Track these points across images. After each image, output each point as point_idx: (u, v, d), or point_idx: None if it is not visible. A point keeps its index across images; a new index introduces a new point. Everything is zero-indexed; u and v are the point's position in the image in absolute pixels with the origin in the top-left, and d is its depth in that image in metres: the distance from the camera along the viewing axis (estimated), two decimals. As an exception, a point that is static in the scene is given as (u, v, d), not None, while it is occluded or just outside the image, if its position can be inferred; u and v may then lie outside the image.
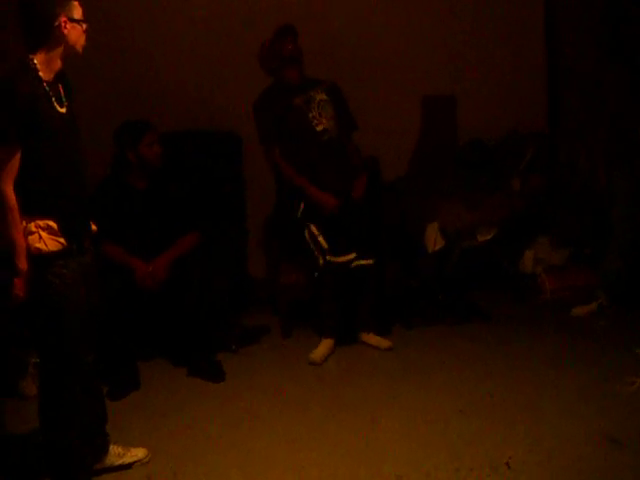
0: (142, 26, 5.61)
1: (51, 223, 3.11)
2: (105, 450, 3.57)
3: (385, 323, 5.20)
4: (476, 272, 5.70)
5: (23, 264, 3.09)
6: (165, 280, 4.65)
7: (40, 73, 3.08)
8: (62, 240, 3.14)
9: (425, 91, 5.99)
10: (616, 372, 4.34)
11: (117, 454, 3.61)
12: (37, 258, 3.10)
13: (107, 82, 5.46)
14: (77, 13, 3.13)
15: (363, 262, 4.87)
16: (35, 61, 3.07)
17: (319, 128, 4.93)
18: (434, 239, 5.54)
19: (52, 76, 3.13)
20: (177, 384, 4.61)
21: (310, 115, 4.92)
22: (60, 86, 3.19)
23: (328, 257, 4.82)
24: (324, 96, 4.99)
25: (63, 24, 3.06)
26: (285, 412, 4.20)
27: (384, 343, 4.98)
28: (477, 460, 3.60)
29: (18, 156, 3.01)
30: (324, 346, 4.91)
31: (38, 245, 3.09)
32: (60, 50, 3.11)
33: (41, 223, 3.09)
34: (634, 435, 3.72)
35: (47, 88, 3.10)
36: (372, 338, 5.03)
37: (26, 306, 3.19)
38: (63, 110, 3.17)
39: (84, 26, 3.16)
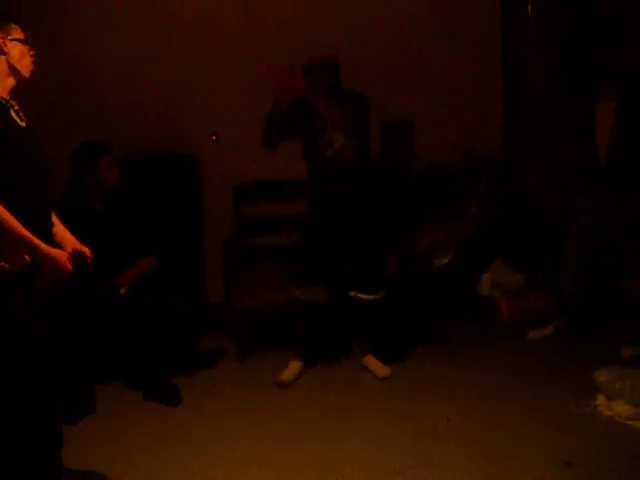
0: (101, 47, 5.58)
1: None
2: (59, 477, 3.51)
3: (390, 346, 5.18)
4: (433, 296, 5.71)
5: (44, 248, 3.08)
6: (122, 302, 4.62)
7: None
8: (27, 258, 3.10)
9: (383, 117, 6.01)
10: (572, 395, 4.38)
11: None
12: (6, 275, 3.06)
13: (64, 104, 5.43)
14: (18, 34, 3.20)
15: (362, 296, 4.83)
16: None
17: (329, 151, 4.72)
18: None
19: (7, 93, 3.18)
20: (133, 408, 4.56)
21: (321, 140, 4.72)
22: (15, 104, 3.21)
23: (297, 293, 4.82)
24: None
25: (1, 42, 3.14)
26: (242, 435, 4.17)
27: (382, 371, 4.89)
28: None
29: None
30: (292, 367, 4.89)
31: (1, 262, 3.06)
32: (5, 69, 3.17)
33: None
34: (588, 457, 3.76)
35: (3, 101, 3.15)
36: (372, 362, 4.96)
37: None
38: (23, 124, 3.20)
39: (29, 47, 3.23)
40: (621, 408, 4.11)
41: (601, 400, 4.23)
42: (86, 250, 3.45)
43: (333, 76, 4.72)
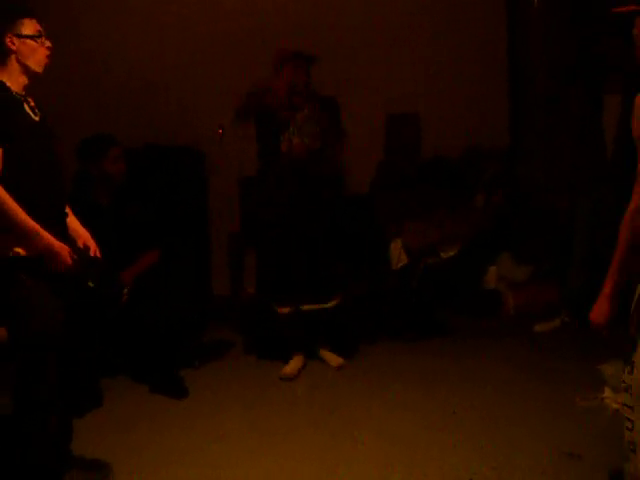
0: (107, 40, 5.58)
1: None
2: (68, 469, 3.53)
3: (344, 341, 5.18)
4: (439, 288, 5.71)
5: (48, 239, 3.10)
6: (127, 296, 4.62)
7: (8, 84, 3.16)
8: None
9: (389, 109, 6.01)
10: (578, 388, 4.37)
11: (79, 475, 3.56)
12: (13, 261, 3.10)
13: (70, 97, 5.43)
14: (28, 29, 3.19)
15: (315, 307, 4.88)
16: (1, 77, 3.16)
17: (284, 146, 4.79)
18: (398, 256, 5.56)
19: (21, 89, 3.20)
20: (139, 401, 4.56)
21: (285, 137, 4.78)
22: (31, 99, 3.25)
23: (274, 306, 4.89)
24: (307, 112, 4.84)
25: (9, 40, 3.14)
26: (248, 428, 4.17)
27: (335, 360, 4.97)
28: (441, 477, 3.60)
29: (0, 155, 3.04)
30: (295, 360, 4.90)
31: (17, 249, 3.10)
32: (16, 66, 3.18)
33: None
34: (593, 449, 3.75)
35: (18, 96, 3.17)
36: (326, 354, 5.03)
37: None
38: (37, 119, 3.23)
39: (41, 42, 3.21)
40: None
41: (607, 393, 4.22)
42: (92, 245, 3.46)
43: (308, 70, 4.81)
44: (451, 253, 5.76)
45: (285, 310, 4.86)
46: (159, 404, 4.50)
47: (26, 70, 3.20)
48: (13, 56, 3.16)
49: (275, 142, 4.77)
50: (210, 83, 5.74)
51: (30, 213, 3.08)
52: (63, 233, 3.32)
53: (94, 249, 3.48)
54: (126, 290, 4.63)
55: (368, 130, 6.02)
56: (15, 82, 3.18)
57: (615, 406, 4.13)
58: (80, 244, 3.42)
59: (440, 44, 6.12)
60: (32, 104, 3.24)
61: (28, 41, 3.18)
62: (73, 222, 3.47)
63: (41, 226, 3.12)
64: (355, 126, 5.90)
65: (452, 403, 4.35)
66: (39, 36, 3.21)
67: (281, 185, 4.80)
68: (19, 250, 3.11)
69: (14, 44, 3.15)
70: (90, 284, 4.19)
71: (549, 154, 5.83)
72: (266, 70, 5.54)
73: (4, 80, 3.15)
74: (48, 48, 3.24)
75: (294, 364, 4.87)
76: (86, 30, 5.58)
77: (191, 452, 3.93)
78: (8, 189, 3.03)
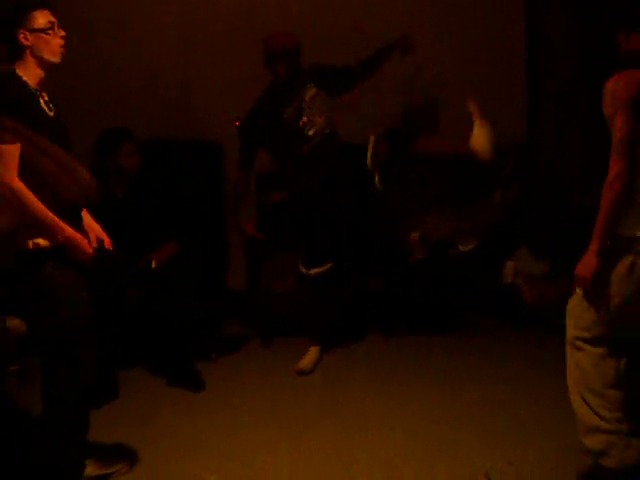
0: (122, 33, 5.58)
1: None
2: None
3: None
4: (457, 283, 5.69)
5: (67, 230, 3.13)
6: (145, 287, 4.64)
7: (24, 79, 3.15)
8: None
9: (405, 99, 5.97)
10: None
11: (95, 465, 3.58)
12: (34, 253, 3.12)
13: (86, 90, 5.44)
14: (39, 22, 3.17)
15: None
16: (16, 70, 3.15)
17: (311, 132, 4.82)
18: (415, 250, 5.54)
19: (36, 84, 3.19)
20: (156, 393, 4.58)
21: (301, 123, 4.81)
22: (45, 94, 3.24)
23: (301, 268, 4.84)
24: (313, 90, 4.86)
25: (22, 36, 3.13)
26: (265, 420, 4.19)
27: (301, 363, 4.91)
28: (456, 470, 3.60)
29: (17, 151, 3.03)
30: (310, 354, 4.90)
31: (37, 240, 3.13)
32: (33, 60, 3.17)
33: None
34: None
35: (34, 91, 3.17)
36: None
37: (22, 303, 3.29)
38: (52, 114, 3.22)
39: (54, 33, 3.19)
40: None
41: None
42: (106, 239, 3.48)
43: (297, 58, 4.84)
44: (469, 247, 5.73)
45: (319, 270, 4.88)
46: (176, 397, 4.52)
47: (41, 62, 3.19)
48: (28, 50, 3.15)
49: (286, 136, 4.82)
50: (227, 76, 5.73)
51: (48, 208, 3.10)
52: (79, 227, 3.34)
53: (108, 242, 3.49)
54: (154, 263, 4.65)
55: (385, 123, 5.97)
56: (31, 76, 3.17)
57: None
58: (92, 238, 3.43)
59: (457, 41, 6.07)
60: (46, 98, 3.24)
61: (42, 35, 3.16)
62: (86, 216, 3.49)
63: (65, 220, 3.15)
64: (372, 120, 5.92)
65: (466, 397, 4.35)
66: (52, 27, 3.19)
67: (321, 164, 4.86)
68: (39, 241, 3.13)
69: (27, 39, 3.13)
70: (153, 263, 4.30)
71: (562, 149, 5.79)
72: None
73: (20, 74, 3.15)
74: (62, 37, 3.21)
75: (309, 358, 4.87)
76: (99, 24, 5.59)
77: (207, 444, 3.95)
78: (26, 184, 3.05)
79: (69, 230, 3.16)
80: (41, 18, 3.17)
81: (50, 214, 3.10)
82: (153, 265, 4.65)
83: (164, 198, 4.93)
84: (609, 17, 5.06)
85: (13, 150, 3.03)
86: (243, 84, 5.67)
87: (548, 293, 5.65)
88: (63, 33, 3.23)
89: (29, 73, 3.17)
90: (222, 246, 5.84)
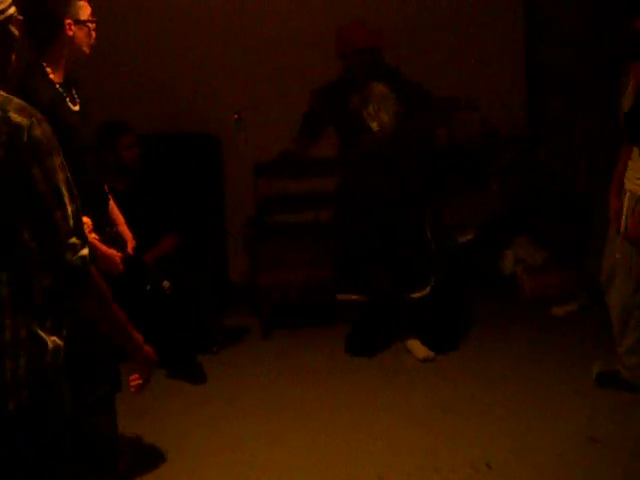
0: (122, 28, 5.57)
1: (87, 220, 3.12)
2: None
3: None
4: (456, 273, 5.68)
5: (101, 248, 3.12)
6: (158, 276, 4.66)
7: (51, 76, 3.07)
8: (95, 236, 3.14)
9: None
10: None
11: None
12: None
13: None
14: (84, 13, 3.09)
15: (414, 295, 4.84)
16: (44, 65, 3.06)
17: (374, 126, 4.73)
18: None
19: (62, 77, 3.12)
20: (157, 386, 4.57)
21: (365, 113, 4.71)
22: (71, 86, 3.18)
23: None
24: (384, 88, 4.76)
25: (68, 27, 3.03)
26: (266, 413, 4.20)
27: (421, 352, 4.78)
28: (458, 460, 3.61)
29: None
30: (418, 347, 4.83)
31: None
32: (67, 52, 3.09)
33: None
34: (612, 433, 3.75)
35: (60, 89, 3.09)
36: (414, 344, 4.86)
37: None
38: (77, 108, 3.17)
39: (92, 25, 3.12)
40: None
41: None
42: (129, 237, 3.47)
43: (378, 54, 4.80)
44: (468, 237, 5.74)
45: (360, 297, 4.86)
46: (177, 389, 4.53)
47: (77, 54, 3.11)
48: (68, 43, 3.05)
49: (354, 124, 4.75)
50: (226, 69, 5.73)
51: (86, 207, 3.08)
52: (105, 220, 3.34)
53: (130, 239, 3.47)
54: (167, 283, 4.66)
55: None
56: (59, 71, 3.09)
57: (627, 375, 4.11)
58: (117, 230, 3.41)
59: (458, 32, 6.06)
60: (74, 92, 3.17)
61: (84, 27, 3.07)
62: (112, 207, 3.49)
63: (89, 215, 3.13)
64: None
65: (469, 387, 4.36)
66: (92, 21, 3.12)
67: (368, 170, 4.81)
68: None
69: (72, 30, 3.03)
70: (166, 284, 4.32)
71: (572, 134, 5.78)
72: (280, 56, 5.56)
73: (49, 70, 3.06)
74: (94, 30, 3.14)
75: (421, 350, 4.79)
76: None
77: (209, 437, 3.96)
78: None
79: (103, 248, 3.15)
80: (85, 9, 3.09)
81: (85, 229, 3.08)
82: (166, 285, 4.65)
83: (164, 191, 4.93)
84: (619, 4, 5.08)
85: None
86: (242, 77, 5.69)
87: (548, 282, 5.66)
88: (95, 26, 3.14)
89: (58, 68, 3.09)
90: (222, 238, 5.84)
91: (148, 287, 4.60)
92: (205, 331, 4.97)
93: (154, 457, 3.75)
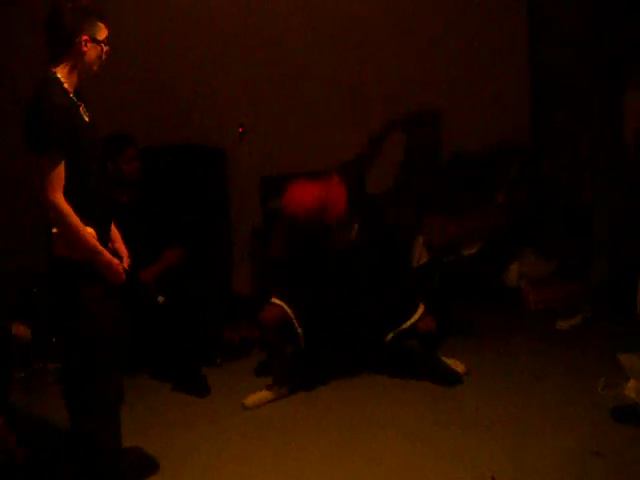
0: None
1: (92, 231, 3.13)
2: None
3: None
4: (461, 285, 5.68)
5: (107, 256, 3.15)
6: (153, 291, 4.66)
7: (65, 85, 3.10)
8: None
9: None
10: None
11: None
12: (76, 263, 3.12)
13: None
14: (100, 34, 3.15)
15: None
16: (58, 75, 3.10)
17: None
18: (419, 253, 5.54)
19: (74, 89, 3.15)
20: (161, 399, 4.59)
21: None
22: (81, 98, 3.21)
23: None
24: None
25: (84, 42, 3.08)
26: (269, 427, 4.19)
27: (459, 367, 4.71)
28: (462, 475, 3.59)
29: (63, 165, 3.02)
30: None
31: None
32: (77, 67, 3.13)
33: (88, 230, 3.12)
34: (616, 447, 3.73)
35: (74, 98, 3.13)
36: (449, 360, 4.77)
37: (59, 314, 3.25)
38: (87, 119, 3.19)
39: (105, 48, 3.18)
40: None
41: (631, 384, 4.19)
42: (124, 253, 3.48)
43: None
44: (472, 250, 5.73)
45: None
46: (181, 402, 4.53)
47: (84, 71, 3.15)
48: (80, 57, 3.10)
49: None
50: (231, 82, 5.75)
51: (85, 216, 3.08)
52: (109, 233, 3.36)
53: (126, 257, 3.49)
54: (162, 298, 4.67)
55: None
56: (70, 82, 3.12)
57: (632, 395, 4.10)
58: (112, 247, 3.42)
59: (462, 40, 6.08)
60: (82, 102, 3.20)
61: (97, 47, 3.13)
62: (116, 235, 3.50)
63: (94, 226, 3.15)
64: (375, 123, 5.94)
65: (472, 401, 4.34)
66: (106, 43, 3.18)
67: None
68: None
69: (86, 46, 3.09)
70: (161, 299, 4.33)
71: (576, 146, 5.78)
72: (283, 70, 5.57)
73: (62, 80, 3.09)
74: (107, 52, 3.20)
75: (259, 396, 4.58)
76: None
77: (213, 450, 3.95)
78: (67, 194, 3.03)
79: (107, 256, 3.17)
80: (103, 30, 3.16)
81: (92, 239, 3.10)
82: (161, 300, 4.66)
83: (169, 203, 4.94)
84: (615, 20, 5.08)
85: (60, 169, 3.02)
86: (246, 90, 5.70)
87: (552, 295, 5.65)
88: (109, 49, 3.21)
89: (70, 79, 3.12)
90: (228, 250, 5.84)
91: (145, 301, 4.62)
92: (209, 343, 4.97)
93: (159, 470, 3.75)
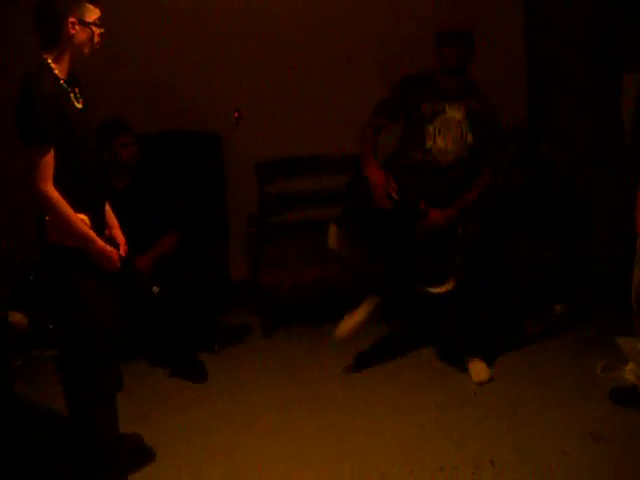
0: (120, 27, 5.54)
1: (85, 218, 3.11)
2: None
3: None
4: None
5: (99, 244, 3.15)
6: (148, 280, 4.65)
7: (55, 71, 3.08)
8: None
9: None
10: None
11: None
12: (70, 251, 3.11)
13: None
14: (90, 16, 3.11)
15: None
16: (49, 60, 3.07)
17: (428, 144, 4.52)
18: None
19: (66, 74, 3.12)
20: (159, 385, 4.58)
21: (427, 127, 4.52)
22: (75, 84, 3.19)
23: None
24: (460, 115, 4.55)
25: (71, 25, 3.05)
26: (267, 412, 4.19)
27: (481, 374, 4.46)
28: (461, 458, 3.61)
29: (52, 154, 3.01)
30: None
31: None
32: (70, 51, 3.10)
33: (80, 217, 3.11)
34: (616, 430, 3.74)
35: (65, 85, 3.10)
36: (476, 365, 4.53)
37: (53, 301, 3.29)
38: (80, 106, 3.17)
39: (97, 30, 3.14)
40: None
41: (630, 366, 4.20)
42: (122, 240, 3.46)
43: (467, 49, 4.58)
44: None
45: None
46: (179, 388, 4.53)
47: (78, 55, 3.12)
48: (70, 41, 3.06)
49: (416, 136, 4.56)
50: (226, 67, 5.70)
51: (77, 204, 3.08)
52: (103, 221, 3.36)
53: (123, 244, 3.47)
54: (157, 289, 4.65)
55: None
56: (62, 67, 3.09)
57: (631, 378, 4.11)
58: (110, 234, 3.41)
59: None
60: (77, 91, 3.17)
61: (87, 29, 3.09)
62: (107, 209, 3.48)
63: (88, 214, 3.14)
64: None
65: (471, 385, 4.35)
66: (98, 23, 3.15)
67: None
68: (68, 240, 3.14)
69: (74, 29, 3.05)
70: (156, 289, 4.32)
71: (567, 139, 5.76)
72: (277, 54, 5.54)
73: (53, 66, 3.07)
74: (100, 35, 3.16)
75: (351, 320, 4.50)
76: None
77: (210, 436, 3.96)
78: (58, 182, 3.02)
79: (100, 243, 3.16)
80: (94, 11, 3.12)
81: (84, 227, 3.09)
82: (155, 291, 4.65)
83: (165, 190, 4.92)
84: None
85: (49, 158, 3.00)
86: (242, 75, 5.67)
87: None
88: (103, 30, 3.17)
89: (62, 64, 3.09)
90: (224, 236, 5.82)
91: (140, 290, 4.62)
92: (206, 329, 4.96)
93: (156, 456, 3.74)
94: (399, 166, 4.59)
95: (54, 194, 3.00)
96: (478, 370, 4.45)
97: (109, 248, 3.21)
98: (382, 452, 3.71)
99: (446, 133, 4.52)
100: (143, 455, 3.72)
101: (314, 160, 5.75)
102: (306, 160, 5.76)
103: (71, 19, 3.04)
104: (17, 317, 4.86)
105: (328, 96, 5.72)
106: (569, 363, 4.53)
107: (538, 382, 4.33)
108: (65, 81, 3.11)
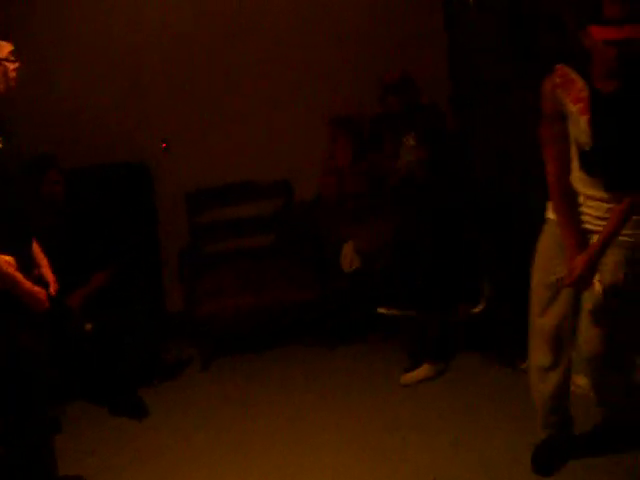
0: (49, 58, 5.47)
1: (10, 259, 3.04)
2: None
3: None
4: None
5: (26, 285, 3.09)
6: (80, 318, 4.57)
7: None
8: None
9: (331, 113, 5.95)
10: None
11: None
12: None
13: (12, 116, 5.32)
14: (1, 52, 3.07)
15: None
16: None
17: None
18: (350, 259, 5.49)
19: None
20: (98, 424, 4.51)
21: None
22: None
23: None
24: (413, 143, 4.90)
25: None
26: (209, 444, 4.17)
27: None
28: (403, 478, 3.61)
29: None
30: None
31: None
32: None
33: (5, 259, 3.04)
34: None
35: None
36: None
37: None
38: (0, 145, 3.10)
39: (10, 66, 3.10)
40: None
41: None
42: (51, 278, 3.41)
43: (411, 92, 4.89)
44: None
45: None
46: (119, 425, 4.46)
47: None
48: None
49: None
50: (153, 98, 5.66)
51: (1, 244, 3.03)
52: (31, 260, 3.29)
53: (52, 282, 3.41)
54: (90, 326, 4.58)
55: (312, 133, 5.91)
56: None
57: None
58: (38, 273, 3.35)
59: (378, 33, 5.97)
60: None
61: (5, 63, 3.07)
62: (35, 249, 3.42)
63: (13, 254, 3.07)
64: (301, 130, 5.89)
65: (412, 402, 4.36)
66: (11, 57, 3.11)
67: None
68: None
69: None
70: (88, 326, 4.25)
71: (484, 142, 5.80)
72: (202, 82, 5.52)
73: None
74: (15, 69, 3.12)
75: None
76: (30, 49, 5.46)
77: (146, 474, 3.91)
78: None
79: (27, 284, 3.11)
80: (5, 46, 3.09)
81: (10, 269, 3.03)
82: (88, 328, 4.58)
83: (95, 225, 4.87)
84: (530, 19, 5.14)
85: None
86: (170, 106, 5.64)
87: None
88: (18, 64, 3.13)
89: None
90: (158, 269, 5.77)
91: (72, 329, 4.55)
92: (144, 364, 4.89)
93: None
94: None
95: None
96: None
97: (37, 288, 3.17)
98: (326, 473, 3.73)
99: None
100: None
101: (245, 186, 5.74)
102: (237, 187, 5.75)
103: None
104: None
105: (256, 122, 5.72)
106: (510, 372, 4.56)
107: (478, 394, 4.35)
108: None
